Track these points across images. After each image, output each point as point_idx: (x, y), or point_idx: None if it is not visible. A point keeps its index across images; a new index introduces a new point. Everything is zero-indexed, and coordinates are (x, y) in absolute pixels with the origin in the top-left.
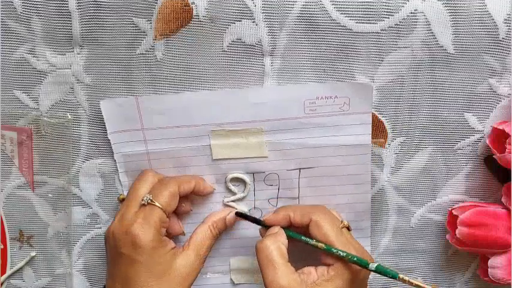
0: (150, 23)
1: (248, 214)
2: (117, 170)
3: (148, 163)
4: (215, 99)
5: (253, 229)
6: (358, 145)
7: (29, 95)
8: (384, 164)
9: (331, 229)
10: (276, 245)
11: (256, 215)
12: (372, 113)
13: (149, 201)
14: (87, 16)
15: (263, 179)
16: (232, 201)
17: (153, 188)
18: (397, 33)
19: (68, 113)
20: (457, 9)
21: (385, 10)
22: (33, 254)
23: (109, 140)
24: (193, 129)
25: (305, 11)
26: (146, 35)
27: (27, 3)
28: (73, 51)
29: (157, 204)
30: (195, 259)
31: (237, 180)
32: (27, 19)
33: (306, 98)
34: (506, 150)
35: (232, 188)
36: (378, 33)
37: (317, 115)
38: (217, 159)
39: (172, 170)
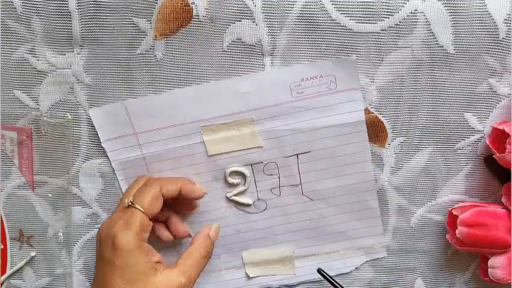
0: (150, 23)
1: (330, 277)
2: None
3: (145, 168)
4: (201, 94)
5: (262, 220)
6: (352, 123)
7: (29, 95)
8: (384, 164)
9: None
10: None
11: (261, 206)
12: (372, 113)
13: (130, 203)
14: (87, 16)
15: (262, 169)
16: (235, 195)
17: (137, 191)
18: (397, 33)
19: (68, 113)
20: (457, 9)
21: (385, 10)
22: (33, 254)
23: None
24: (184, 128)
25: (305, 11)
26: (146, 35)
27: (27, 3)
28: (73, 51)
29: (137, 206)
30: (179, 279)
31: (237, 173)
32: (27, 19)
33: (292, 81)
34: (506, 150)
35: (233, 181)
36: (378, 33)
37: (305, 97)
38: (212, 155)
39: (170, 172)
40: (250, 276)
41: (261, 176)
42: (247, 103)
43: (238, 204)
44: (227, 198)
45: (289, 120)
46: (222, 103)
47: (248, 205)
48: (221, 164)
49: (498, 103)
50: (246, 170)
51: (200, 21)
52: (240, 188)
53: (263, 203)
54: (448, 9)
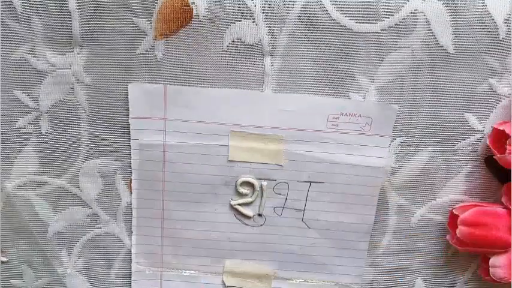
0: (150, 23)
1: None
2: (116, 170)
3: (163, 155)
4: (241, 99)
5: (255, 234)
6: (373, 167)
7: (29, 95)
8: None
9: None
10: None
11: (259, 221)
12: None
13: None
14: (87, 16)
15: (273, 187)
16: (239, 204)
17: None
18: (397, 33)
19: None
20: (457, 9)
21: (385, 10)
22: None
23: (109, 140)
24: (214, 127)
25: (305, 11)
26: (146, 35)
27: (27, 3)
28: (73, 51)
29: None
30: None
31: (248, 184)
32: (27, 19)
33: (330, 112)
34: (507, 151)
35: (242, 191)
36: (377, 33)
37: (338, 131)
38: (232, 160)
39: (184, 166)
40: (226, 284)
41: (270, 193)
42: (282, 120)
43: (238, 213)
44: (230, 205)
45: (315, 148)
46: (259, 113)
47: (248, 217)
48: (236, 171)
49: (498, 103)
50: (257, 183)
51: (200, 21)
52: (247, 199)
53: (262, 218)
54: (448, 9)
